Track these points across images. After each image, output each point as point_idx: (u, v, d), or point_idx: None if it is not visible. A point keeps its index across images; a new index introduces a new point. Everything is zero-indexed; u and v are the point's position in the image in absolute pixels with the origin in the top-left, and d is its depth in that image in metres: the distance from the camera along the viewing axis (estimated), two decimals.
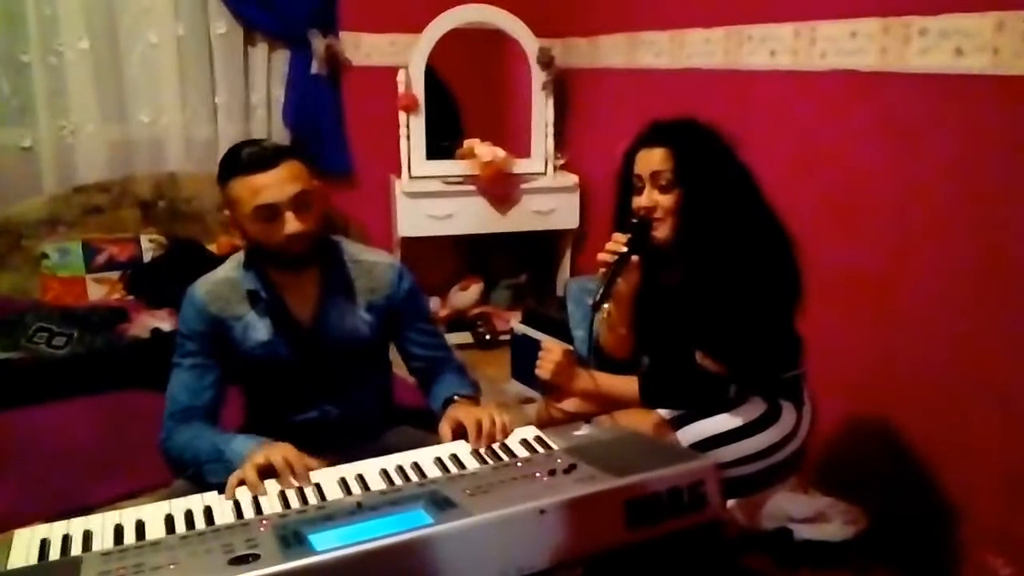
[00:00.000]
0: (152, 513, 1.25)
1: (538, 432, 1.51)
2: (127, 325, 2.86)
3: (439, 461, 1.41)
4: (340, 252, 1.72)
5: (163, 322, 2.84)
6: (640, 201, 1.68)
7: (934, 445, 2.00)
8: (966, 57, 1.85)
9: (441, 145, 3.65)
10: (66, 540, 1.17)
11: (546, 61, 3.62)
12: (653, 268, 1.73)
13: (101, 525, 1.21)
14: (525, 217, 3.68)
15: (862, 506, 2.05)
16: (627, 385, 1.71)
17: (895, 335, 2.10)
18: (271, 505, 1.28)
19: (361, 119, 3.72)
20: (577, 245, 3.84)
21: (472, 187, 3.58)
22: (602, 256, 1.69)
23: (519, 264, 4.07)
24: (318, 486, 1.33)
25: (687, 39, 2.87)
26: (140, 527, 1.20)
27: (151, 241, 3.28)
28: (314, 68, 3.54)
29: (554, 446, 1.43)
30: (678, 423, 1.67)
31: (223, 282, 1.66)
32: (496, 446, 1.47)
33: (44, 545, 1.16)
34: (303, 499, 1.29)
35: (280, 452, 1.39)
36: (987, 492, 1.89)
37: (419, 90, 3.51)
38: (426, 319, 1.83)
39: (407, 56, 3.53)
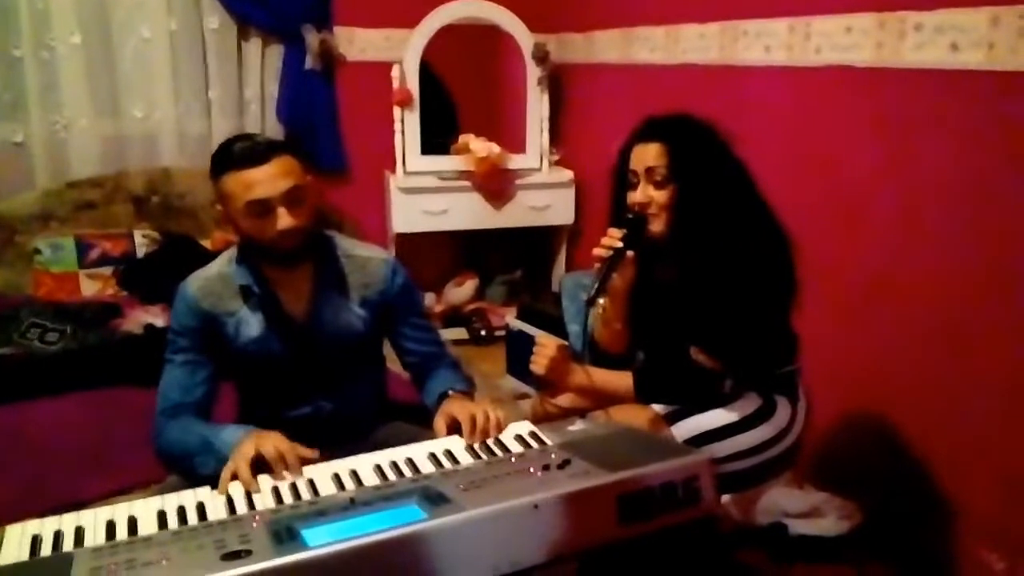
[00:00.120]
0: (144, 509, 1.24)
1: (532, 427, 1.51)
2: (120, 321, 2.85)
3: (433, 456, 1.41)
4: (333, 247, 1.71)
5: (156, 318, 2.83)
6: (635, 197, 1.67)
7: (929, 440, 2.00)
8: (961, 52, 1.84)
9: (436, 141, 3.64)
10: (58, 536, 1.16)
11: (541, 56, 3.61)
12: (648, 263, 1.73)
13: (93, 521, 1.20)
14: (520, 213, 3.68)
15: (857, 501, 2.05)
16: (622, 380, 1.71)
17: (891, 330, 2.11)
18: (264, 500, 1.27)
19: (355, 114, 3.71)
20: (572, 241, 3.84)
21: (467, 183, 3.58)
22: (597, 251, 1.69)
23: (514, 260, 4.06)
24: (311, 481, 1.33)
25: (682, 34, 2.86)
26: (132, 523, 1.20)
27: (144, 236, 3.26)
28: (308, 63, 3.53)
29: (548, 441, 1.43)
30: (673, 418, 1.67)
31: (215, 278, 1.65)
32: (490, 441, 1.47)
33: (35, 541, 1.15)
34: (296, 494, 1.29)
35: (271, 442, 1.38)
36: (982, 487, 1.89)
37: (414, 85, 3.50)
38: (420, 314, 1.83)
39: (401, 51, 3.51)
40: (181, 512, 1.23)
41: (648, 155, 1.65)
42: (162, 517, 1.21)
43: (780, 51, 2.40)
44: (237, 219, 1.55)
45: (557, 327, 2.89)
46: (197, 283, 1.65)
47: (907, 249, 2.05)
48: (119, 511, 1.24)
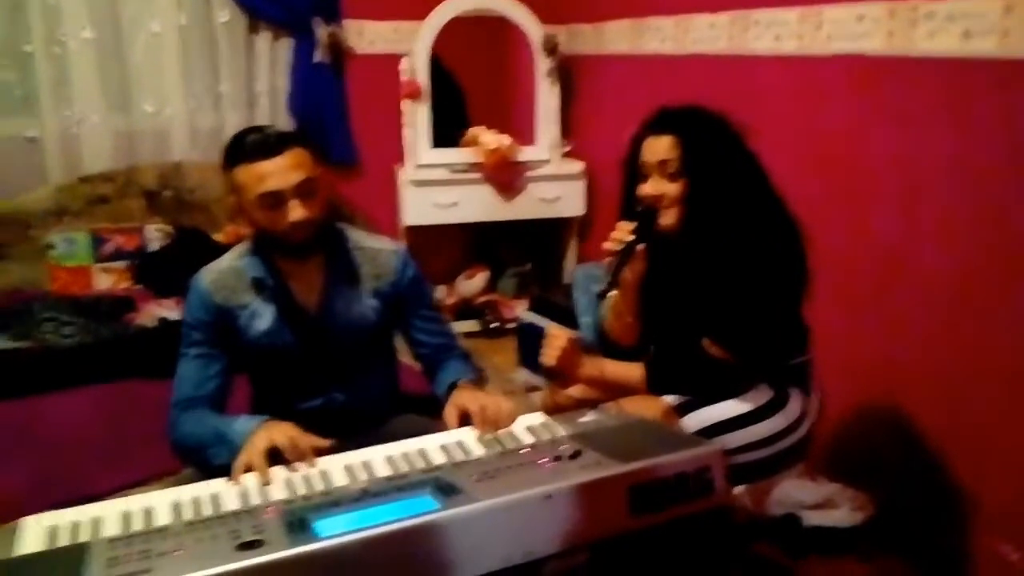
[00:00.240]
0: (159, 500, 1.26)
1: (544, 418, 1.52)
2: (134, 314, 2.87)
3: (445, 448, 1.41)
4: (345, 239, 1.72)
5: (170, 311, 2.85)
6: (646, 189, 1.66)
7: (942, 431, 1.99)
8: (974, 40, 1.83)
9: (446, 133, 3.64)
10: (74, 527, 1.18)
11: (551, 48, 3.60)
12: (659, 256, 1.72)
13: (109, 512, 1.22)
14: (531, 205, 3.67)
15: (870, 492, 2.04)
16: (632, 372, 1.71)
17: (905, 321, 2.09)
18: (277, 491, 1.28)
19: (365, 107, 3.71)
20: (583, 232, 3.83)
21: (477, 175, 3.57)
22: (608, 244, 1.68)
23: (525, 252, 4.06)
24: (324, 472, 1.34)
25: (692, 24, 2.85)
26: (148, 513, 1.21)
27: (157, 230, 3.29)
28: (317, 56, 3.54)
29: (560, 432, 1.43)
30: (684, 410, 1.67)
31: (228, 271, 1.66)
32: (502, 432, 1.47)
33: (53, 532, 1.17)
34: (309, 485, 1.30)
35: (283, 432, 1.39)
36: (996, 478, 1.88)
37: (423, 78, 3.50)
38: (430, 306, 1.83)
39: (411, 44, 3.51)
40: (196, 503, 1.24)
41: (660, 147, 1.64)
42: (177, 508, 1.22)
43: (791, 40, 2.38)
44: (250, 211, 1.56)
45: (568, 319, 2.89)
46: (209, 277, 1.66)
47: (919, 239, 2.04)
48: (135, 502, 1.25)
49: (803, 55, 2.34)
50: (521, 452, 1.33)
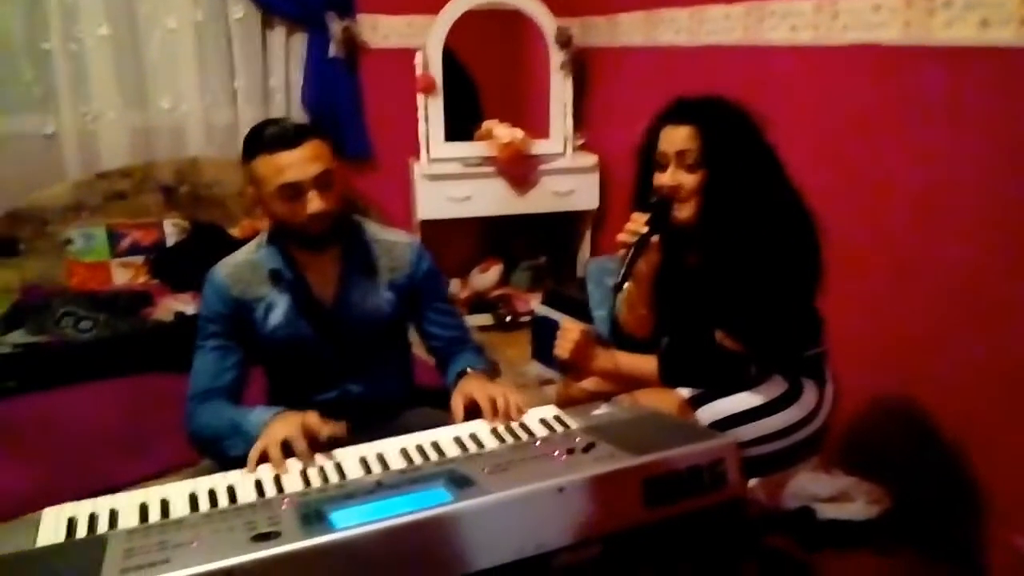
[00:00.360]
0: (176, 492, 1.27)
1: (557, 411, 1.52)
2: (151, 309, 2.90)
3: (458, 440, 1.42)
4: (361, 231, 1.73)
5: (186, 305, 2.87)
6: (663, 179, 1.65)
7: (958, 424, 1.98)
8: (992, 29, 1.80)
9: (460, 127, 3.64)
10: (93, 518, 1.19)
11: (564, 41, 3.59)
12: (673, 247, 1.71)
13: (126, 503, 1.23)
14: (544, 198, 3.67)
15: (885, 486, 2.03)
16: (646, 364, 1.70)
17: (920, 313, 2.08)
18: (292, 483, 1.29)
19: (379, 102, 3.72)
20: (597, 226, 3.82)
21: (491, 169, 3.58)
22: (622, 237, 1.67)
23: (539, 245, 4.06)
24: (338, 465, 1.35)
25: (707, 16, 2.83)
26: (165, 505, 1.22)
27: (174, 225, 3.31)
28: (332, 51, 3.54)
29: (573, 425, 1.44)
30: (698, 402, 1.67)
31: (244, 264, 1.68)
32: (515, 425, 1.47)
33: (71, 523, 1.18)
34: (324, 477, 1.31)
35: (297, 427, 1.39)
36: (1012, 471, 1.87)
37: (437, 72, 3.50)
38: (444, 299, 1.84)
39: (424, 38, 3.51)
40: (212, 495, 1.25)
41: (678, 137, 1.62)
42: (193, 500, 1.24)
43: (806, 31, 2.36)
44: (268, 202, 1.57)
45: (582, 312, 2.89)
46: (226, 270, 1.67)
47: (935, 230, 2.02)
48: (152, 494, 1.26)
49: (819, 45, 2.32)
50: (534, 445, 1.33)
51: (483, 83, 3.90)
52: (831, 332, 1.76)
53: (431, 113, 3.53)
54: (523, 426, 1.46)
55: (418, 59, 3.47)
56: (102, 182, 3.32)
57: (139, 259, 3.23)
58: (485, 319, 3.71)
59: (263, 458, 1.37)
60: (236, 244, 1.77)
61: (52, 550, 1.11)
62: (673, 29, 3.05)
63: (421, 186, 3.54)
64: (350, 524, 1.04)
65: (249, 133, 1.59)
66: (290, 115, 3.59)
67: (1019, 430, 1.84)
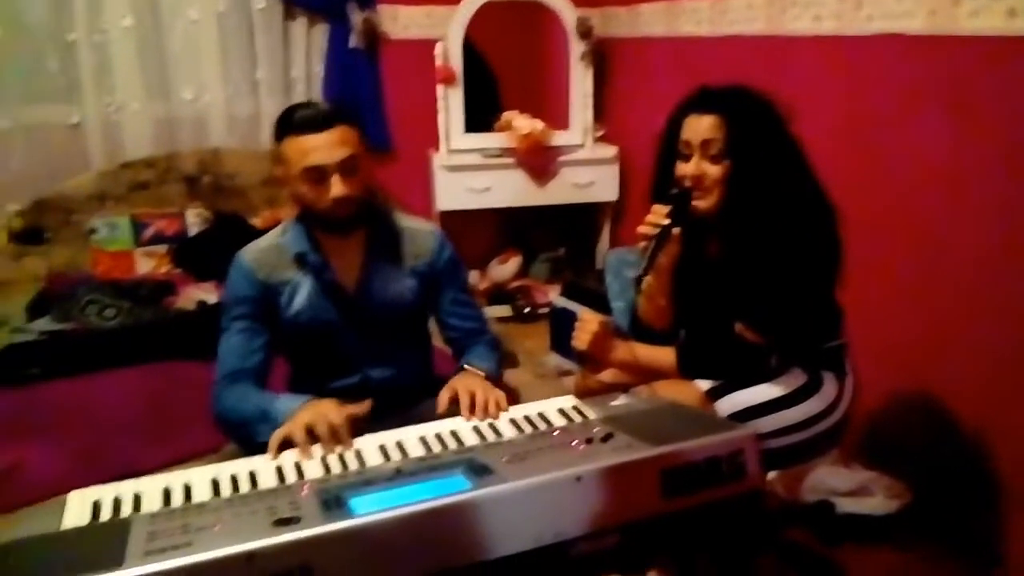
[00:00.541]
0: (199, 477, 1.29)
1: (575, 402, 1.52)
2: (174, 298, 2.93)
3: (477, 429, 1.43)
4: (387, 218, 1.74)
5: (208, 294, 2.90)
6: (687, 169, 1.63)
7: (980, 418, 1.96)
8: (1019, 18, 1.77)
9: (479, 118, 3.64)
10: (117, 502, 1.21)
11: (584, 31, 3.58)
12: (693, 239, 1.71)
13: (150, 488, 1.25)
14: (564, 190, 3.66)
15: (906, 480, 2.02)
16: (664, 356, 1.70)
17: (942, 305, 2.06)
18: (312, 470, 1.31)
19: (399, 93, 3.73)
20: (616, 217, 3.81)
21: (511, 160, 3.57)
22: (643, 229, 1.66)
23: (558, 237, 4.06)
24: (358, 452, 1.36)
25: (729, 5, 2.81)
26: (187, 490, 1.24)
27: (196, 215, 3.34)
28: (352, 42, 3.55)
29: (591, 415, 1.44)
30: (716, 394, 1.66)
31: (269, 248, 1.70)
32: (534, 415, 1.48)
33: (96, 506, 1.20)
34: (344, 464, 1.32)
35: (323, 417, 1.41)
36: None
37: (457, 63, 3.50)
38: (464, 289, 1.85)
39: (444, 28, 3.51)
40: (234, 480, 1.27)
41: (702, 127, 1.60)
42: (215, 485, 1.25)
43: (830, 20, 2.34)
44: (294, 184, 1.59)
45: (601, 304, 2.88)
46: (251, 254, 1.69)
47: (959, 222, 2.00)
48: (175, 479, 1.28)
49: (842, 35, 2.30)
50: (553, 434, 1.34)
51: (503, 74, 3.89)
52: (852, 324, 1.75)
53: (451, 104, 3.53)
54: (541, 416, 1.47)
55: (438, 50, 3.47)
56: (126, 172, 3.36)
57: (162, 248, 3.27)
58: (504, 310, 3.72)
59: (284, 445, 1.39)
60: (257, 234, 1.79)
61: (77, 532, 1.13)
62: (695, 19, 3.03)
63: (441, 177, 3.55)
64: (369, 510, 1.05)
65: (281, 114, 1.62)
66: None
67: None
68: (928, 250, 2.09)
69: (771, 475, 1.85)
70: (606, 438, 1.26)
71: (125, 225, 3.25)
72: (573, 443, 1.26)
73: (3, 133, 3.22)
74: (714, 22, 2.91)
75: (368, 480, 1.18)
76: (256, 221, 3.33)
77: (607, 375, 1.81)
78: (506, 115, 3.63)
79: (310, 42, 3.62)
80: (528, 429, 1.42)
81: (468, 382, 1.58)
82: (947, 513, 2.01)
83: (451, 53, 3.48)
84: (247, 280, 1.67)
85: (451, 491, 1.09)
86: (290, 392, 1.69)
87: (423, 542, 1.04)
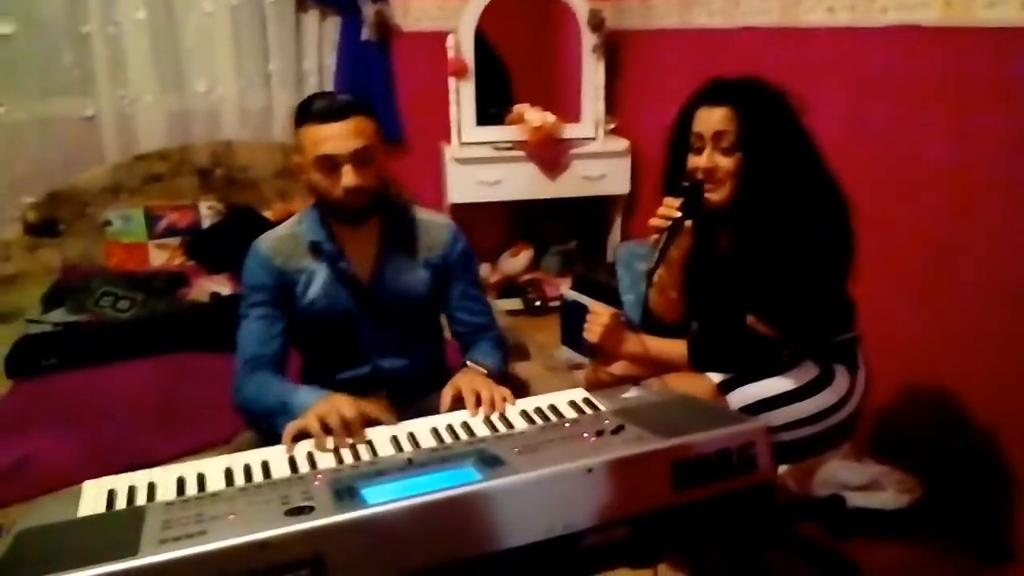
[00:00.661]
0: (213, 466, 1.30)
1: (586, 394, 1.52)
2: (187, 290, 2.94)
3: (488, 421, 1.43)
4: (402, 210, 1.75)
5: (222, 287, 2.92)
6: (699, 162, 1.63)
7: (992, 412, 1.95)
8: None
9: (491, 111, 3.63)
10: (132, 491, 1.22)
11: (596, 23, 3.57)
12: (704, 231, 1.70)
13: (164, 477, 1.26)
14: (575, 183, 3.66)
15: (917, 475, 2.01)
16: (675, 348, 1.70)
17: (955, 299, 2.05)
18: (325, 460, 1.32)
19: (411, 85, 3.73)
20: (628, 210, 3.80)
21: (522, 153, 3.57)
22: (655, 221, 1.66)
23: (569, 230, 4.05)
24: (370, 443, 1.37)
25: None
26: (201, 479, 1.25)
27: (209, 208, 3.36)
28: (364, 34, 3.56)
29: (602, 407, 1.44)
30: (728, 386, 1.66)
31: (285, 237, 1.71)
32: (545, 407, 1.48)
33: (111, 495, 1.21)
34: (356, 455, 1.33)
35: (336, 410, 1.41)
36: None
37: (468, 55, 3.49)
38: (475, 283, 1.85)
39: (456, 21, 3.51)
40: (247, 470, 1.28)
41: (715, 119, 1.60)
42: (229, 475, 1.26)
43: (844, 12, 2.32)
44: (308, 172, 1.61)
45: (612, 297, 2.88)
46: (268, 243, 1.71)
47: (972, 216, 1.98)
48: (189, 469, 1.29)
49: (857, 27, 2.28)
50: (564, 426, 1.34)
51: (514, 66, 3.89)
52: (865, 318, 1.74)
53: (462, 97, 3.53)
54: (553, 408, 1.47)
55: (450, 42, 3.47)
56: (140, 164, 3.38)
57: (175, 241, 3.29)
58: (515, 303, 3.72)
59: (298, 436, 1.39)
60: (270, 227, 1.81)
61: (93, 520, 1.14)
62: (708, 11, 3.02)
63: (452, 170, 3.55)
64: (382, 500, 1.05)
65: (301, 103, 1.64)
66: None
67: None
68: (940, 243, 2.08)
69: (782, 469, 1.85)
70: (617, 430, 1.26)
71: (139, 217, 3.27)
72: (584, 435, 1.26)
73: (18, 126, 3.25)
74: (727, 14, 2.89)
75: (380, 471, 1.19)
76: (268, 214, 3.34)
77: (618, 368, 1.81)
78: (517, 108, 3.63)
79: (322, 34, 3.62)
80: (539, 421, 1.42)
81: (471, 380, 1.58)
82: (958, 507, 2.01)
83: (463, 46, 3.48)
84: (264, 268, 1.68)
85: (462, 482, 1.10)
86: (303, 384, 1.70)
87: (434, 532, 1.05)
